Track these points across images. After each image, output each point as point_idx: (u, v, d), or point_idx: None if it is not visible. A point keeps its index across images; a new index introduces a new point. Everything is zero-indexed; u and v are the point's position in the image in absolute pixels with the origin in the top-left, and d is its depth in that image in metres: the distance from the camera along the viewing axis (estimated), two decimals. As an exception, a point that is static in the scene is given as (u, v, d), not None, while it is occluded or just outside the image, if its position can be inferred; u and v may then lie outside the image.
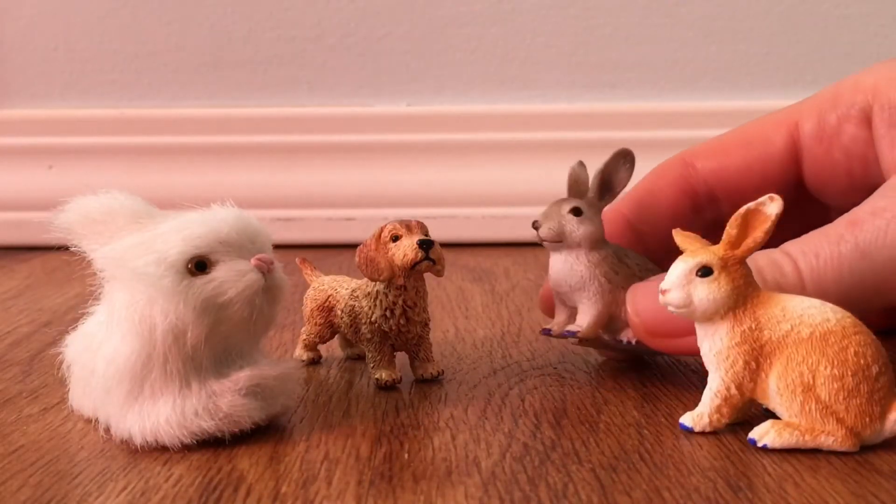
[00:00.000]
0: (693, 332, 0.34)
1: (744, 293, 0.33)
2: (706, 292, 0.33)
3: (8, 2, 0.89)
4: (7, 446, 0.34)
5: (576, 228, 0.40)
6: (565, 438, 0.34)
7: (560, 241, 0.40)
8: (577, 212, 0.40)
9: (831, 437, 0.32)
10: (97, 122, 0.88)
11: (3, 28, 0.89)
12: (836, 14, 0.88)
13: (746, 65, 0.89)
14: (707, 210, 0.43)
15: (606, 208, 0.41)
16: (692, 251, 0.34)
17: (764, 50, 0.89)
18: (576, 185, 0.42)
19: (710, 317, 0.33)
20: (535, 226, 0.41)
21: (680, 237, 0.35)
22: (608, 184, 0.41)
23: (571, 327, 0.41)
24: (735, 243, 0.33)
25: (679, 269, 0.33)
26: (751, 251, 0.33)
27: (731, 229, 0.33)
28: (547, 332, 0.42)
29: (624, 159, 0.41)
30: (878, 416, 0.32)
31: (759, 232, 0.33)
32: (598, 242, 0.40)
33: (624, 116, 0.88)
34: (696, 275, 0.33)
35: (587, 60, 0.90)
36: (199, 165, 0.88)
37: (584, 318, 0.40)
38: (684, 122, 0.88)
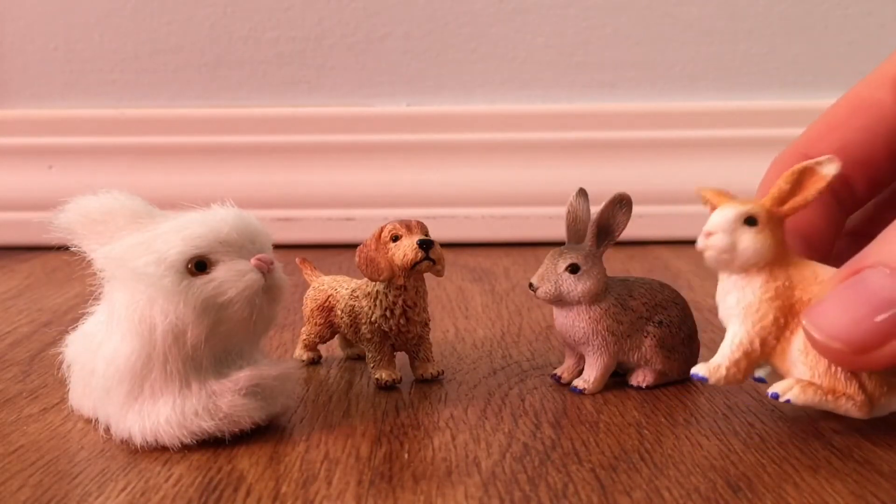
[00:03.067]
0: None
1: (782, 250, 0.33)
2: (751, 241, 0.32)
3: (8, 2, 0.89)
4: (7, 446, 0.34)
5: (573, 287, 0.39)
6: (565, 438, 0.34)
7: (559, 300, 0.40)
8: (573, 269, 0.39)
9: (851, 402, 0.32)
10: (97, 122, 0.88)
11: (3, 28, 0.89)
12: (836, 14, 0.88)
13: (746, 65, 0.89)
14: (843, 195, 0.39)
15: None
16: (735, 201, 0.33)
17: (764, 50, 0.89)
18: (574, 225, 0.41)
19: (748, 268, 0.33)
20: (533, 288, 0.40)
21: (709, 192, 0.35)
22: (606, 230, 0.40)
23: (578, 384, 0.40)
24: (783, 199, 0.32)
25: (727, 213, 0.33)
26: (799, 208, 0.32)
27: (783, 183, 0.32)
28: (556, 379, 0.42)
29: (620, 204, 0.39)
30: (893, 385, 0.32)
31: (810, 191, 0.32)
32: (598, 296, 0.39)
33: (624, 116, 0.88)
34: (743, 223, 0.32)
35: (587, 60, 0.90)
36: (199, 165, 0.88)
37: (591, 373, 0.40)
38: (684, 122, 0.88)
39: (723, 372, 0.33)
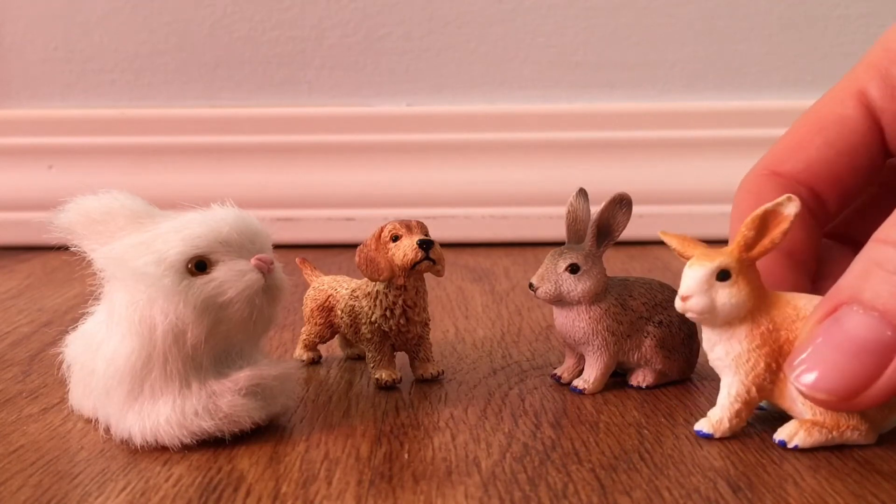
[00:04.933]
0: (885, 365, 0.30)
1: (759, 294, 0.33)
2: (728, 296, 0.32)
3: (8, 2, 0.89)
4: (7, 446, 0.34)
5: (573, 287, 0.39)
6: (565, 438, 0.34)
7: (559, 300, 0.40)
8: (573, 269, 0.39)
9: (856, 432, 0.32)
10: (97, 122, 0.88)
11: (3, 28, 0.89)
12: (836, 14, 0.88)
13: (746, 65, 0.89)
14: (817, 211, 0.39)
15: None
16: (703, 254, 0.33)
17: (764, 50, 0.89)
18: (574, 225, 0.41)
19: (731, 321, 0.33)
20: (532, 288, 0.40)
21: (672, 239, 0.35)
22: (606, 230, 0.40)
23: (578, 383, 0.40)
24: (750, 245, 0.33)
25: (698, 273, 0.33)
26: (766, 252, 0.33)
27: (746, 231, 0.32)
28: (556, 379, 0.42)
29: (620, 204, 0.39)
30: (893, 404, 0.32)
31: (776, 232, 0.32)
32: (598, 296, 0.39)
33: (624, 116, 0.88)
34: (716, 279, 0.32)
35: (587, 60, 0.90)
36: (199, 165, 0.88)
37: (591, 373, 0.40)
38: (684, 122, 0.88)
39: (726, 425, 0.33)
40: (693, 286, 0.32)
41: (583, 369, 0.40)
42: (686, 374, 0.41)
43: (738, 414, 0.33)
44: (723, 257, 0.33)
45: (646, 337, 0.40)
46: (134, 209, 0.35)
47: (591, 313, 0.39)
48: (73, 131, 0.88)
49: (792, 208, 0.32)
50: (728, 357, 0.33)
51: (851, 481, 0.30)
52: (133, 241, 0.34)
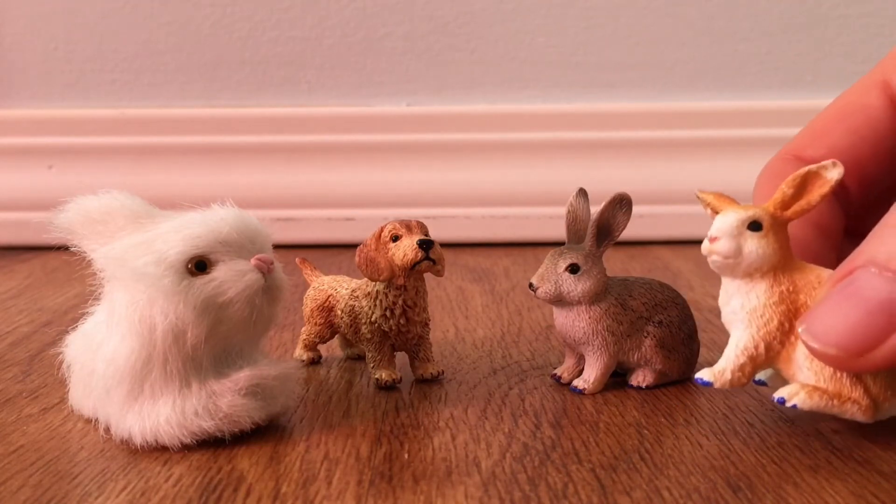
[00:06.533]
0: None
1: (786, 255, 0.33)
2: (756, 246, 0.32)
3: (8, 2, 0.89)
4: (7, 446, 0.34)
5: (573, 287, 0.39)
6: (565, 438, 0.34)
7: (559, 300, 0.40)
8: (573, 269, 0.39)
9: (856, 406, 0.32)
10: (97, 122, 0.88)
11: (3, 28, 0.89)
12: (836, 14, 0.88)
13: (746, 65, 0.89)
14: (840, 197, 0.39)
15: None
16: (739, 206, 0.33)
17: (764, 50, 0.89)
18: (574, 225, 0.41)
19: (752, 273, 0.33)
20: (532, 288, 0.40)
21: (710, 196, 0.35)
22: (606, 230, 0.40)
23: (578, 384, 0.40)
24: (787, 204, 0.32)
25: (731, 218, 0.33)
26: (802, 213, 0.32)
27: (786, 188, 0.32)
28: (556, 379, 0.42)
29: (620, 204, 0.39)
30: (895, 389, 0.32)
31: (814, 195, 0.32)
32: (598, 295, 0.39)
33: (624, 116, 0.88)
34: (747, 228, 0.32)
35: (587, 60, 0.90)
36: (199, 165, 0.88)
37: (591, 373, 0.40)
38: (684, 122, 0.88)
39: (728, 376, 0.33)
40: (724, 228, 0.32)
41: (583, 369, 0.40)
42: (686, 374, 0.41)
43: (741, 368, 0.33)
44: (757, 209, 0.33)
45: (646, 337, 0.40)
46: (134, 209, 0.35)
47: (591, 313, 0.39)
48: (73, 131, 0.88)
49: (835, 173, 0.32)
50: (743, 310, 0.33)
51: (851, 481, 0.30)
52: (133, 241, 0.34)
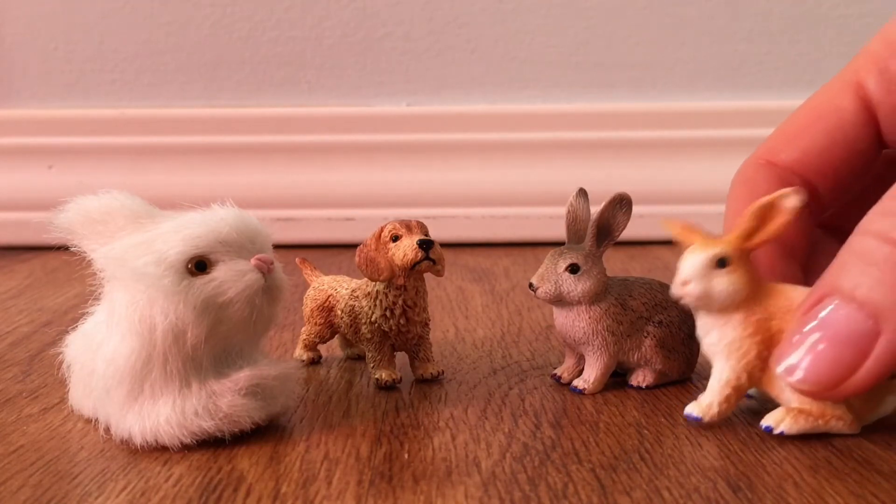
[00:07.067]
0: (865, 356, 0.31)
1: (755, 284, 0.33)
2: (726, 283, 0.33)
3: (8, 2, 0.89)
4: (7, 446, 0.34)
5: (573, 287, 0.39)
6: (565, 438, 0.34)
7: (559, 300, 0.40)
8: (573, 269, 0.39)
9: (841, 422, 0.33)
10: (97, 122, 0.88)
11: (3, 28, 0.89)
12: (836, 14, 0.88)
13: (746, 65, 0.89)
14: (811, 201, 0.39)
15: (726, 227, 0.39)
16: (703, 242, 0.34)
17: (764, 50, 0.89)
18: (574, 225, 0.41)
19: (726, 308, 0.33)
20: (532, 288, 0.40)
21: (676, 228, 0.35)
22: (606, 230, 0.40)
23: (578, 384, 0.40)
24: (749, 235, 0.33)
25: (697, 259, 0.33)
26: (764, 243, 0.33)
27: (748, 221, 0.33)
28: (556, 379, 0.42)
29: (620, 204, 0.39)
30: (879, 397, 0.33)
31: (774, 224, 0.33)
32: (598, 296, 0.39)
33: (624, 116, 0.88)
34: (715, 266, 0.33)
35: (587, 60, 0.90)
36: (199, 165, 0.88)
37: (591, 373, 0.40)
38: (684, 122, 0.88)
39: (715, 409, 0.34)
40: (692, 272, 0.33)
41: (583, 369, 0.40)
42: (686, 374, 0.41)
43: (727, 399, 0.34)
44: (722, 245, 0.33)
45: (646, 337, 0.40)
46: (134, 209, 0.35)
47: (591, 313, 0.39)
48: (73, 131, 0.88)
49: (794, 201, 0.32)
50: (721, 343, 0.34)
51: (851, 481, 0.30)
52: (133, 241, 0.34)
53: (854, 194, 0.40)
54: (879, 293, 0.30)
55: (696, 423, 0.34)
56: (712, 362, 0.34)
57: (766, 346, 0.33)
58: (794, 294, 0.33)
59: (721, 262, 0.33)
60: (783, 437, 0.34)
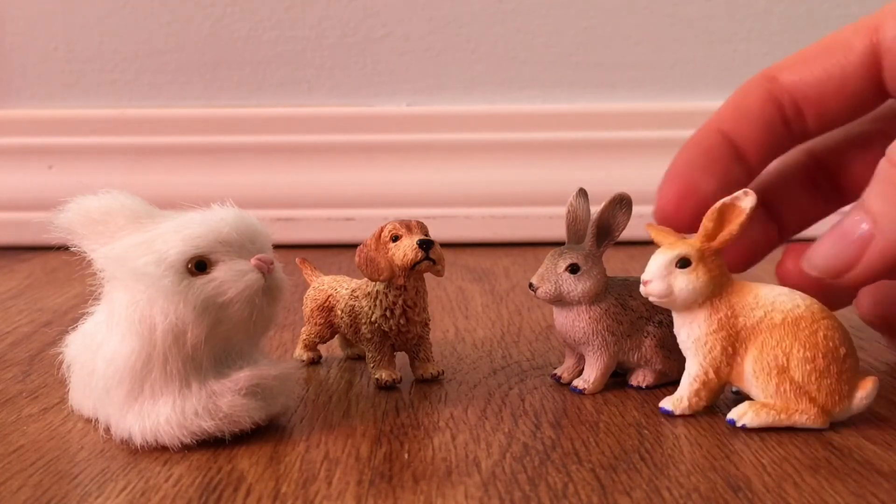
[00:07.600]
0: (863, 253, 0.35)
1: (719, 283, 0.35)
2: (686, 282, 0.35)
3: (8, 2, 0.89)
4: (7, 446, 0.34)
5: (573, 287, 0.39)
6: (565, 438, 0.34)
7: (559, 300, 0.40)
8: (573, 269, 0.39)
9: (805, 416, 0.34)
10: (97, 122, 0.88)
11: (3, 28, 0.89)
12: (835, 14, 0.88)
13: (746, 65, 0.89)
14: (794, 123, 0.42)
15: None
16: (669, 244, 0.36)
17: (763, 50, 0.89)
18: (574, 225, 0.41)
19: (689, 306, 0.35)
20: (532, 288, 0.40)
21: (654, 231, 0.37)
22: (606, 230, 0.40)
23: (578, 384, 0.40)
24: (711, 236, 0.35)
25: (659, 260, 0.35)
26: (725, 244, 0.35)
27: (707, 223, 0.35)
28: (556, 379, 0.42)
29: (620, 204, 0.39)
30: (847, 394, 0.34)
31: (733, 225, 0.34)
32: (598, 296, 0.39)
33: (624, 116, 0.88)
34: (676, 266, 0.35)
35: (587, 60, 0.90)
36: (199, 165, 0.88)
37: (591, 373, 0.40)
38: (684, 122, 0.87)
39: (685, 403, 0.36)
40: (653, 271, 0.35)
41: (583, 369, 0.41)
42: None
43: (696, 393, 0.35)
44: (685, 246, 0.35)
45: (646, 337, 0.40)
46: (134, 209, 0.35)
47: (591, 313, 0.39)
48: (73, 131, 0.88)
49: (748, 202, 0.34)
50: (689, 340, 0.35)
51: (851, 481, 0.30)
52: (133, 241, 0.34)
53: (857, 128, 0.43)
54: (880, 203, 0.34)
55: (669, 416, 0.36)
56: (686, 358, 0.36)
57: (731, 342, 0.35)
58: (762, 292, 0.35)
59: (682, 263, 0.35)
60: (783, 437, 0.34)
